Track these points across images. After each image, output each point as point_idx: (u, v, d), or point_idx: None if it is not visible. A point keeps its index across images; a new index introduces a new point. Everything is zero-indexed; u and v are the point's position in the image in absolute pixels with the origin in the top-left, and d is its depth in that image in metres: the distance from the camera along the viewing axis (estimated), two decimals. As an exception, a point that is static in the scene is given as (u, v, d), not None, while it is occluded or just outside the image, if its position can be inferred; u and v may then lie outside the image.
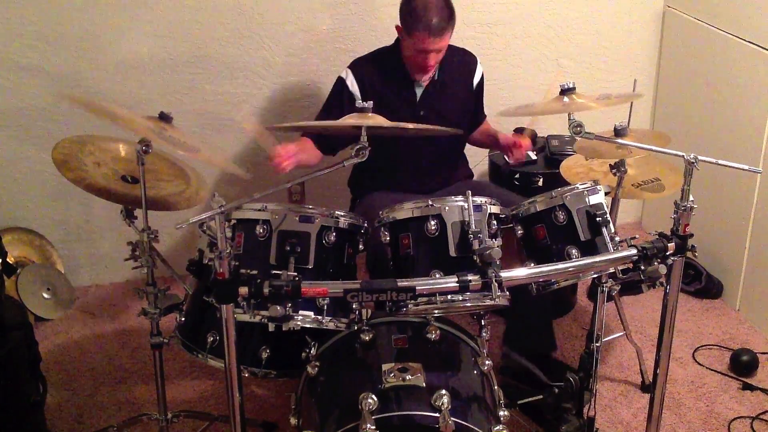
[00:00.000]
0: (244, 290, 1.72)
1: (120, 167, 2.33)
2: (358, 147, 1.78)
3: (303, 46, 3.31)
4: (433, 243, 1.96)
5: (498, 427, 1.90)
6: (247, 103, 3.33)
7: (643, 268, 1.92)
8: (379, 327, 2.09)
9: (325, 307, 1.96)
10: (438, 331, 2.06)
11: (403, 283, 1.77)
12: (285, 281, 1.74)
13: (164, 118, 2.13)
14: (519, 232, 2.14)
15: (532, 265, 2.02)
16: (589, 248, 2.05)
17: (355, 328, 2.03)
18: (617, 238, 2.04)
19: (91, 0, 3.06)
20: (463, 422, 1.81)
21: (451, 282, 1.77)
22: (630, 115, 2.73)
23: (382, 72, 2.75)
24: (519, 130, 3.02)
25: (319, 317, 1.96)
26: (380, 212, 2.07)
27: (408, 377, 1.88)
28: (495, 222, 2.03)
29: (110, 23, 3.11)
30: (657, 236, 1.96)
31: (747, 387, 2.81)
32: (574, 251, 2.04)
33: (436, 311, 1.90)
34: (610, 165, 2.50)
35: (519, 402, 2.46)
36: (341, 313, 2.00)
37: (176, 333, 2.30)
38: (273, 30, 3.26)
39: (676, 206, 1.94)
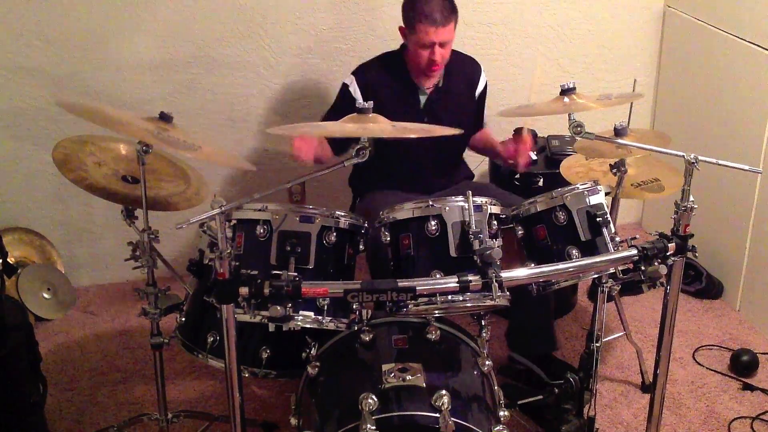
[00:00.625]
0: (244, 290, 1.72)
1: (120, 167, 2.33)
2: (358, 147, 1.78)
3: (303, 46, 3.31)
4: (434, 243, 1.95)
5: (498, 427, 1.90)
6: (247, 103, 3.34)
7: (643, 268, 1.92)
8: (379, 327, 2.09)
9: (326, 307, 1.96)
10: (438, 332, 2.06)
11: (403, 283, 1.77)
12: (285, 281, 1.74)
13: (164, 118, 2.13)
14: (519, 232, 2.14)
15: (533, 265, 2.02)
16: (590, 248, 2.05)
17: (356, 328, 2.03)
18: (617, 239, 2.04)
19: (92, 0, 3.07)
20: (464, 422, 1.81)
21: (452, 282, 1.78)
22: (630, 115, 2.72)
23: (386, 78, 2.75)
24: (518, 131, 3.01)
25: (320, 317, 1.96)
26: (381, 212, 2.07)
27: (408, 377, 1.89)
28: (495, 222, 2.03)
29: (111, 23, 3.11)
30: (657, 236, 1.96)
31: (747, 387, 2.81)
32: (574, 251, 2.04)
33: (436, 311, 1.90)
34: (610, 165, 2.49)
35: (519, 402, 2.46)
36: (341, 313, 1.99)
37: (176, 333, 2.31)
38: (273, 30, 3.26)
39: (677, 206, 1.94)
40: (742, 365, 2.88)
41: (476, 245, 1.83)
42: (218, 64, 3.26)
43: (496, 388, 2.06)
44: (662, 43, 3.67)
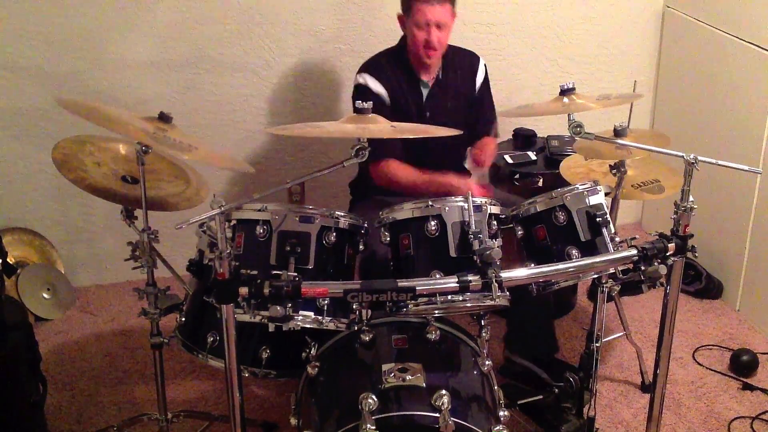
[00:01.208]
0: (244, 290, 1.72)
1: (120, 167, 2.33)
2: (357, 147, 1.77)
3: (303, 46, 3.31)
4: (434, 243, 1.96)
5: (498, 427, 1.90)
6: (247, 103, 3.34)
7: (643, 268, 1.92)
8: (379, 327, 2.09)
9: (325, 307, 1.96)
10: (438, 332, 2.06)
11: (403, 283, 1.77)
12: (285, 281, 1.74)
13: (164, 118, 2.13)
14: (519, 232, 2.14)
15: (532, 265, 2.02)
16: (589, 249, 2.05)
17: (355, 328, 2.03)
18: (617, 239, 2.04)
19: (92, 0, 3.06)
20: (463, 422, 1.81)
21: (452, 282, 1.78)
22: (630, 115, 2.72)
23: (391, 73, 2.75)
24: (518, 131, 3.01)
25: (319, 317, 1.96)
26: (380, 212, 2.07)
27: (408, 377, 1.89)
28: (495, 222, 2.03)
29: (110, 23, 3.11)
30: (657, 237, 1.96)
31: (747, 387, 2.81)
32: (574, 252, 2.04)
33: (436, 311, 1.90)
34: (609, 165, 2.49)
35: (519, 402, 2.46)
36: (341, 313, 1.99)
37: (176, 333, 2.30)
38: (273, 30, 3.26)
39: (676, 207, 1.94)
40: (741, 365, 2.88)
41: (476, 245, 1.83)
42: (218, 64, 3.26)
43: (495, 388, 2.06)
44: (662, 43, 3.67)
